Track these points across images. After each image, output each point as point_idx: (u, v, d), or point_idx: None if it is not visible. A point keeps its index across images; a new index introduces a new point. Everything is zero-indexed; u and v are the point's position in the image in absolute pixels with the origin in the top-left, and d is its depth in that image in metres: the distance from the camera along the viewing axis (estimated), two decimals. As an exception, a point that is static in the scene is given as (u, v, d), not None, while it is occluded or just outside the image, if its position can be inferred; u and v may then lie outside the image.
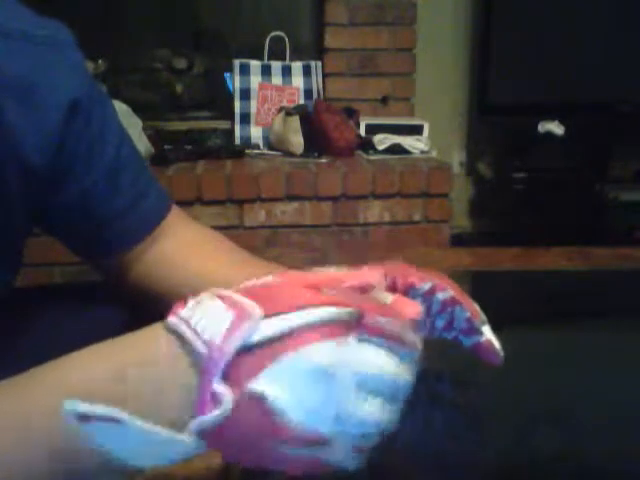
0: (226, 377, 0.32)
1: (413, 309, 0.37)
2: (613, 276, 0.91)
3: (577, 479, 0.49)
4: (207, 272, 0.64)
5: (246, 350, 0.32)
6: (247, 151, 2.20)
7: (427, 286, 0.47)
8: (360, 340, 0.34)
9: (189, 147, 2.16)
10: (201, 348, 0.32)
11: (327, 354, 0.33)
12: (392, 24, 2.38)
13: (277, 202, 2.00)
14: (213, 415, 0.32)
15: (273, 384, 0.32)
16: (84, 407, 0.32)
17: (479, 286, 0.96)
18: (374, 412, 0.34)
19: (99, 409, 0.32)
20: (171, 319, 0.34)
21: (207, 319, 0.33)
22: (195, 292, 0.39)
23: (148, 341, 0.35)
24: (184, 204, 1.93)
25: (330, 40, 2.39)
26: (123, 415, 0.32)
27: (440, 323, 0.49)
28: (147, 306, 0.65)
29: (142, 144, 1.99)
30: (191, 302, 0.34)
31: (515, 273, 0.90)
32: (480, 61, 2.48)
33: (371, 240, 2.06)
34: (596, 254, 0.96)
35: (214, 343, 0.32)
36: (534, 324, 0.76)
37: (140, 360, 0.34)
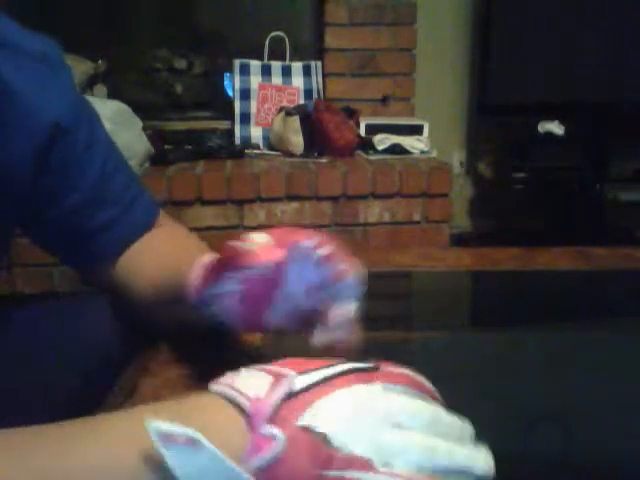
0: (273, 422, 0.35)
1: (275, 254, 0.47)
2: (613, 276, 0.91)
3: (577, 479, 0.49)
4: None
5: (288, 398, 0.36)
6: (247, 151, 2.20)
7: (310, 243, 0.50)
8: (385, 388, 0.38)
9: (189, 147, 2.16)
10: (247, 403, 0.36)
11: (360, 392, 0.37)
12: (392, 24, 2.38)
13: (277, 202, 2.00)
14: (270, 451, 0.34)
15: (318, 417, 0.36)
16: (166, 426, 0.34)
17: (479, 286, 0.96)
18: (415, 444, 0.36)
19: (180, 429, 0.34)
20: (216, 386, 0.38)
21: (249, 383, 0.37)
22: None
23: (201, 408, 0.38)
24: (184, 204, 1.93)
25: (330, 40, 2.39)
26: (200, 437, 0.34)
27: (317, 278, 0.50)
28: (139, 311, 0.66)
29: (142, 144, 1.99)
30: (229, 373, 0.39)
31: (515, 273, 0.90)
32: (480, 61, 2.48)
33: (371, 240, 2.06)
34: (596, 254, 0.96)
35: (259, 397, 0.36)
36: (534, 324, 0.76)
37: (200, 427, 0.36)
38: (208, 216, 1.95)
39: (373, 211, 2.05)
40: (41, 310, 0.72)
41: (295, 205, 2.01)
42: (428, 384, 0.40)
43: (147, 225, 0.67)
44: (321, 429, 0.35)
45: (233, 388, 0.37)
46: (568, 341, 0.70)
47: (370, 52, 2.39)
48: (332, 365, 0.39)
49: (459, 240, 2.52)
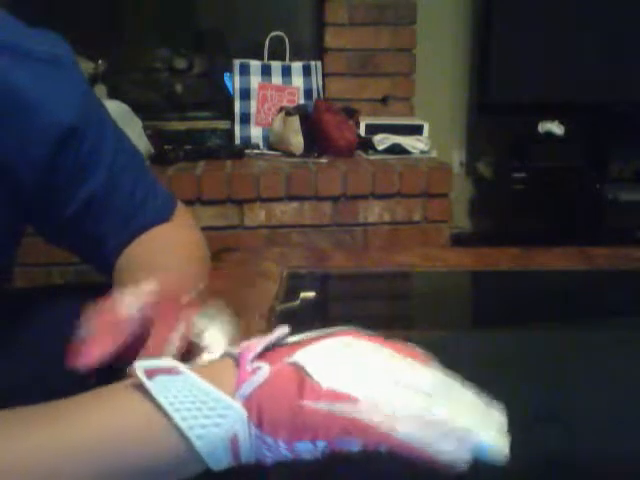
0: (261, 359, 0.37)
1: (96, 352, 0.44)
2: (613, 276, 0.91)
3: (577, 479, 0.49)
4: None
5: (281, 345, 0.39)
6: (247, 151, 2.20)
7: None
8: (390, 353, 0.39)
9: (189, 147, 2.16)
10: (237, 350, 0.39)
11: (358, 342, 0.38)
12: (392, 24, 2.38)
13: (277, 202, 2.00)
14: (254, 379, 0.36)
15: (305, 357, 0.37)
16: (150, 362, 0.37)
17: (479, 286, 0.96)
18: (410, 398, 0.36)
19: (162, 362, 0.37)
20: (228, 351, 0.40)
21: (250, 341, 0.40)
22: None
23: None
24: (184, 204, 1.93)
25: (330, 40, 2.38)
26: (181, 367, 0.37)
27: None
28: None
29: (142, 144, 1.99)
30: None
31: (515, 273, 0.90)
32: (480, 61, 2.48)
33: (371, 240, 2.06)
34: (596, 254, 0.96)
35: (251, 343, 0.39)
36: (534, 324, 0.76)
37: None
38: (208, 216, 1.95)
39: (373, 211, 2.05)
40: (45, 300, 0.72)
41: (295, 205, 2.01)
42: (437, 364, 0.40)
43: (158, 223, 0.67)
44: (303, 363, 0.36)
45: (235, 346, 0.40)
46: (568, 341, 0.70)
47: (370, 52, 2.39)
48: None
49: (459, 240, 2.52)
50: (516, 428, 0.51)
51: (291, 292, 0.76)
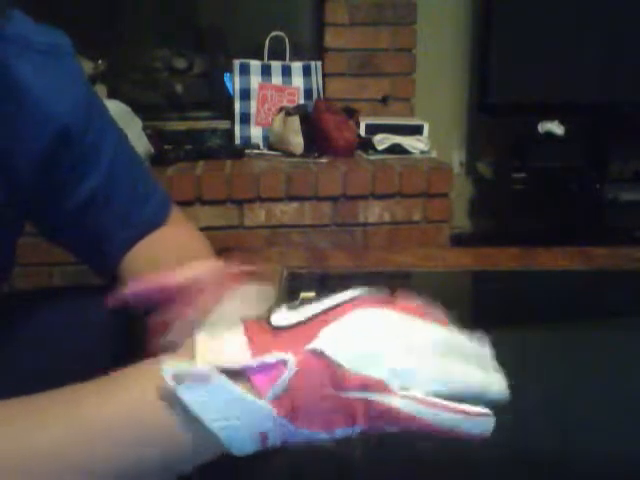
0: (283, 348, 0.36)
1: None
2: (613, 276, 0.91)
3: (577, 479, 0.49)
4: None
5: (301, 323, 0.37)
6: (247, 151, 2.20)
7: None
8: (401, 315, 0.38)
9: (189, 147, 2.16)
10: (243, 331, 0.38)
11: (375, 315, 0.37)
12: (392, 24, 2.38)
13: (277, 202, 2.00)
14: (283, 376, 0.35)
15: (328, 342, 0.36)
16: (179, 367, 0.36)
17: (479, 286, 0.96)
18: (430, 369, 0.36)
19: (191, 367, 0.36)
20: None
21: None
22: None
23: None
24: (184, 204, 1.93)
25: (330, 40, 2.38)
26: (211, 371, 0.35)
27: None
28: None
29: (142, 144, 1.99)
30: None
31: (515, 273, 0.90)
32: (480, 61, 2.48)
33: (371, 240, 2.06)
34: (596, 254, 0.96)
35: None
36: (534, 324, 0.76)
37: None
38: (208, 216, 1.95)
39: (373, 211, 2.05)
40: (46, 303, 0.72)
41: (295, 205, 2.01)
42: (442, 314, 0.40)
43: (156, 224, 0.67)
44: (329, 351, 0.36)
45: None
46: (568, 341, 0.70)
47: (370, 52, 2.39)
48: (346, 291, 0.39)
49: (459, 240, 2.52)
50: (515, 428, 0.50)
51: (291, 292, 0.76)
